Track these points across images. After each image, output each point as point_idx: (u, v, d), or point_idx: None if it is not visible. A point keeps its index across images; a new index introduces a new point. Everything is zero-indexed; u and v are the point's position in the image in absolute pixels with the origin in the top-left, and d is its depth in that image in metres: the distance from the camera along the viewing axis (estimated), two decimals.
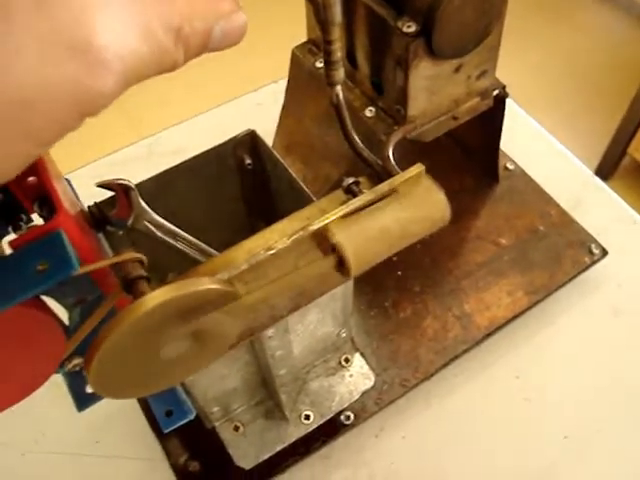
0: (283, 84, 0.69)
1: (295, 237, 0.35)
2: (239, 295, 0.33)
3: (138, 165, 0.62)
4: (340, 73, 0.40)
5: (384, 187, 0.36)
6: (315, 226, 0.35)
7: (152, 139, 0.85)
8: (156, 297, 0.30)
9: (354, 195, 0.38)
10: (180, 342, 0.34)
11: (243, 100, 0.89)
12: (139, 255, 0.35)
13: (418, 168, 0.37)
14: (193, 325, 0.33)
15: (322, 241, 0.36)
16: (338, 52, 0.39)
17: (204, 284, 0.31)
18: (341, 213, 0.35)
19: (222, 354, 0.38)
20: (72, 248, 0.31)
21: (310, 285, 0.39)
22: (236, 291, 0.33)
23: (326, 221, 0.35)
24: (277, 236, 0.36)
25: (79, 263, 0.31)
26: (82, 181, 0.47)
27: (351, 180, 0.38)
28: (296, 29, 0.69)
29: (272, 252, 0.34)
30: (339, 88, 0.41)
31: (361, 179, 0.39)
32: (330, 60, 0.39)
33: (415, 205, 0.36)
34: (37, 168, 0.37)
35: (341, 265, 0.36)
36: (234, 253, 0.36)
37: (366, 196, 0.36)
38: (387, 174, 0.39)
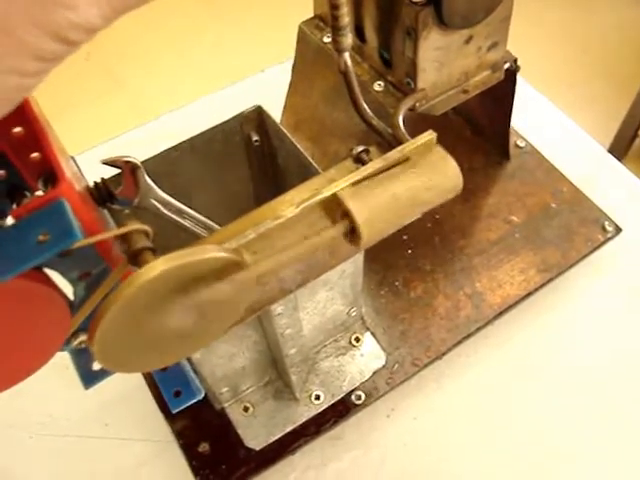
0: (289, 65, 0.68)
1: (304, 205, 0.34)
2: (245, 264, 0.32)
3: (144, 148, 0.61)
4: (348, 39, 0.39)
5: (395, 154, 0.35)
6: (324, 194, 0.34)
7: (158, 122, 0.84)
8: (158, 265, 0.29)
9: (363, 164, 0.37)
10: (186, 314, 0.33)
11: (248, 82, 0.88)
12: (144, 226, 0.34)
13: (429, 135, 0.36)
14: (199, 296, 0.32)
15: (331, 210, 0.35)
16: (345, 17, 0.38)
17: (208, 252, 0.30)
18: (351, 180, 0.34)
19: (230, 328, 0.37)
20: (74, 218, 0.30)
21: (319, 257, 0.38)
22: (242, 260, 0.32)
23: (335, 189, 0.34)
24: (285, 206, 0.35)
25: (82, 233, 0.30)
26: (86, 164, 0.47)
27: (360, 148, 0.37)
28: (302, 10, 0.68)
29: (280, 221, 0.33)
30: (347, 55, 0.40)
31: (371, 148, 0.38)
32: (338, 25, 0.38)
33: (426, 173, 0.35)
34: (40, 140, 0.36)
35: (351, 234, 0.35)
36: (242, 223, 0.35)
37: (376, 163, 0.35)
38: (397, 142, 0.38)
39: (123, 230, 0.33)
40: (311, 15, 0.63)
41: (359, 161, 0.38)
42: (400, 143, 0.37)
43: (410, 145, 0.36)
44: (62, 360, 0.41)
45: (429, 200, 0.36)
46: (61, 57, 0.24)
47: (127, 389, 0.62)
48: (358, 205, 0.35)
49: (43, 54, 0.23)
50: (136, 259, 0.33)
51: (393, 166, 0.36)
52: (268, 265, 0.33)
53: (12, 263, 0.29)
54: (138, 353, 0.33)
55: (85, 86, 1.86)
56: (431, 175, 0.35)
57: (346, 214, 0.35)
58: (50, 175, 0.40)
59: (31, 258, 0.29)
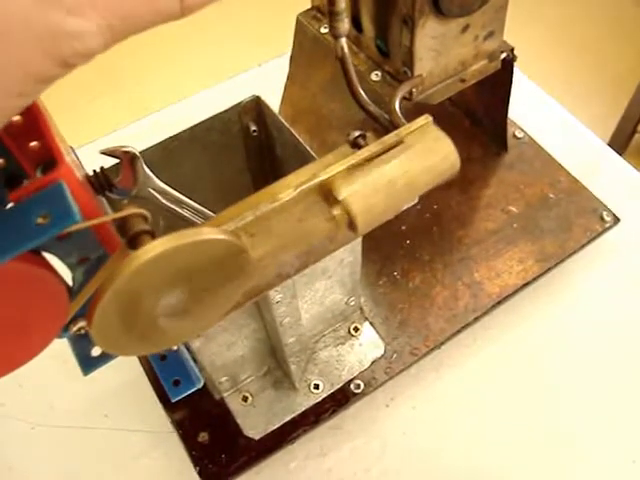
0: (286, 59, 0.69)
1: (301, 188, 0.34)
2: (243, 246, 0.32)
3: (143, 140, 0.61)
4: (345, 24, 0.39)
5: (391, 138, 0.35)
6: (321, 177, 0.34)
7: (157, 115, 0.84)
8: (156, 247, 0.29)
9: (360, 149, 0.37)
10: (183, 296, 0.33)
11: (246, 75, 0.88)
12: (142, 210, 0.34)
13: (425, 119, 0.36)
14: (196, 278, 0.32)
15: (328, 195, 0.35)
16: (342, 2, 0.38)
17: (207, 234, 0.30)
18: (348, 164, 0.35)
19: (228, 313, 0.37)
20: (73, 200, 0.31)
21: (317, 242, 0.38)
22: (240, 242, 0.32)
23: (332, 172, 0.34)
24: (283, 189, 0.35)
25: (81, 215, 0.30)
26: (85, 157, 0.47)
27: (357, 133, 0.37)
28: (299, 3, 0.68)
29: (277, 204, 0.34)
30: (344, 41, 0.40)
31: (367, 133, 0.38)
32: (334, 10, 0.38)
33: (423, 155, 0.35)
34: (39, 126, 0.36)
35: (349, 220, 0.36)
36: (239, 207, 0.35)
37: (373, 147, 0.35)
38: (394, 127, 0.38)
39: (121, 214, 0.34)
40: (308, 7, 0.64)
41: (356, 146, 0.38)
42: (397, 128, 0.37)
43: (406, 129, 0.36)
44: (62, 352, 0.42)
45: (426, 182, 0.36)
46: (58, 78, 0.25)
47: (126, 380, 0.63)
48: (354, 192, 0.35)
49: (45, 78, 0.25)
50: (134, 242, 0.33)
51: (389, 150, 0.36)
52: (266, 247, 0.33)
53: (11, 244, 0.29)
54: (136, 336, 0.33)
55: (83, 85, 1.85)
56: (427, 157, 0.35)
57: (342, 201, 0.35)
58: (49, 164, 0.40)
59: (30, 239, 0.29)
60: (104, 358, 0.41)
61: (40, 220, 0.30)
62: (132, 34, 0.26)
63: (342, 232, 0.37)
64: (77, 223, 0.30)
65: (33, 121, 0.37)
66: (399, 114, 0.39)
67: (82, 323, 0.39)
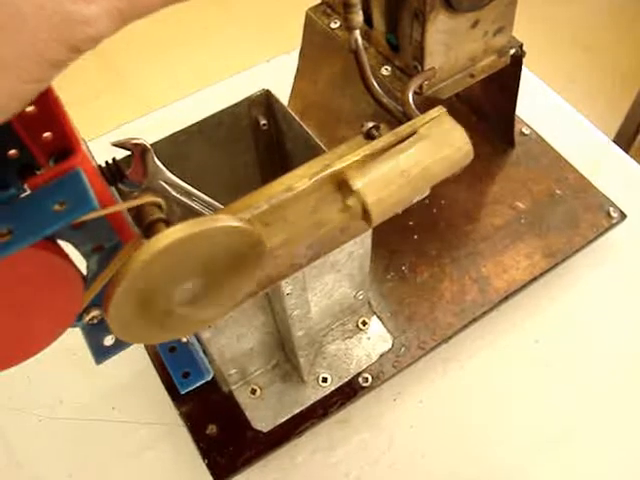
0: (295, 55, 0.69)
1: (316, 178, 0.34)
2: (258, 234, 0.32)
3: (153, 134, 0.61)
4: (359, 16, 0.39)
5: (405, 129, 0.36)
6: (336, 167, 0.34)
7: (165, 110, 0.84)
8: (173, 233, 0.30)
9: (374, 140, 0.37)
10: (199, 284, 0.33)
11: (254, 70, 0.89)
12: (157, 199, 0.35)
13: (439, 110, 0.37)
14: (211, 266, 0.32)
15: (342, 185, 0.36)
16: None
17: (222, 221, 0.31)
18: (362, 154, 0.35)
19: (241, 302, 0.37)
20: (90, 187, 0.31)
21: (331, 232, 0.38)
22: (255, 230, 0.32)
23: (347, 162, 0.35)
24: (297, 179, 0.35)
25: (97, 203, 0.30)
26: (95, 151, 0.47)
27: (371, 124, 0.38)
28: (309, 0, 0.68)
29: (292, 193, 0.34)
30: (358, 33, 0.40)
31: (381, 125, 0.39)
32: (349, 3, 0.39)
33: (437, 146, 0.36)
34: (56, 115, 0.36)
35: (363, 210, 0.36)
36: (254, 196, 0.35)
37: (387, 138, 0.35)
38: (407, 119, 0.38)
39: (137, 202, 0.34)
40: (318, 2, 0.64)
41: (370, 137, 0.38)
42: (410, 119, 0.37)
43: (420, 120, 0.36)
44: (71, 345, 0.42)
45: (440, 173, 0.36)
46: (70, 63, 0.26)
47: (135, 373, 0.63)
48: (368, 183, 0.35)
49: (58, 63, 0.25)
50: (150, 231, 0.33)
51: (403, 141, 0.36)
52: (280, 236, 0.34)
53: (28, 231, 0.29)
54: (152, 323, 0.34)
55: (90, 81, 1.86)
56: (441, 147, 0.35)
57: (356, 192, 0.35)
58: (62, 155, 0.40)
59: (48, 226, 0.29)
60: (117, 347, 0.41)
61: (57, 207, 0.30)
62: (140, 17, 0.27)
63: (355, 222, 0.37)
64: (94, 210, 0.30)
65: (47, 111, 0.37)
66: (413, 106, 0.39)
67: (95, 312, 0.39)
